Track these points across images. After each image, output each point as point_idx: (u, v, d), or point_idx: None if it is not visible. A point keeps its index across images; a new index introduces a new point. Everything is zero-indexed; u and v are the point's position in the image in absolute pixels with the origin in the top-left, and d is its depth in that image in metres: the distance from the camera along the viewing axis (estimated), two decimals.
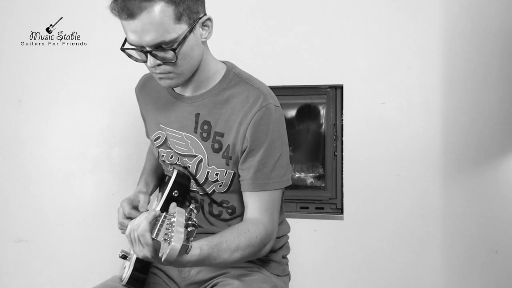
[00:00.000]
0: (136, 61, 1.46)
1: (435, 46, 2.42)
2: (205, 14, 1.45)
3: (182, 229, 1.18)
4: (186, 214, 1.21)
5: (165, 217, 1.33)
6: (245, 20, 2.56)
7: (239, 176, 1.56)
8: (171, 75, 1.46)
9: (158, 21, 1.34)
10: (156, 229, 1.32)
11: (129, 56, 1.45)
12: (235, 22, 2.56)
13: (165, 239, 1.20)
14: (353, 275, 2.53)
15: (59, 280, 2.65)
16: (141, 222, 1.30)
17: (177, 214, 1.25)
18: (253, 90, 1.51)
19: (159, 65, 1.42)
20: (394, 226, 2.49)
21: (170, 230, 1.21)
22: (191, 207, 1.22)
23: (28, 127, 2.66)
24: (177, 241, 1.16)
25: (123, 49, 1.43)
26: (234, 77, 1.56)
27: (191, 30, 1.40)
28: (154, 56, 1.40)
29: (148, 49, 1.39)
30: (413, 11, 2.44)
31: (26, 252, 2.66)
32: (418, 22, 2.44)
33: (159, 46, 1.37)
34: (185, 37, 1.38)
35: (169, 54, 1.39)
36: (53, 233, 2.66)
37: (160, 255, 1.22)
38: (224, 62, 1.62)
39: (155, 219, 1.34)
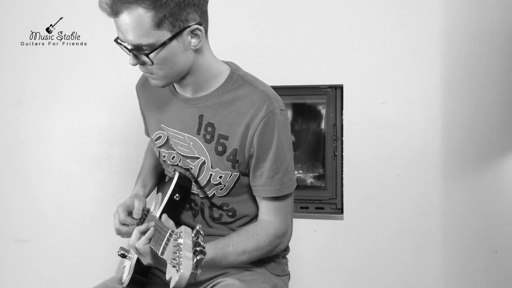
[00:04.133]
0: (128, 54, 1.47)
1: (435, 45, 2.42)
2: (197, 23, 1.43)
3: (191, 254, 1.17)
4: (193, 236, 1.20)
5: (170, 234, 1.33)
6: (245, 20, 2.56)
7: (244, 179, 1.56)
8: (154, 76, 1.46)
9: (135, 24, 1.35)
10: (162, 247, 1.34)
11: (123, 49, 1.46)
12: (235, 22, 2.56)
13: (173, 265, 1.19)
14: (353, 275, 2.53)
15: (59, 280, 2.66)
16: (135, 236, 1.38)
17: (184, 234, 1.23)
18: (258, 92, 1.50)
19: (141, 64, 1.43)
20: (394, 226, 2.48)
21: (177, 254, 1.20)
22: (197, 228, 1.21)
23: (28, 127, 2.67)
24: (186, 269, 1.15)
25: (115, 41, 1.44)
26: (238, 79, 1.55)
27: (173, 37, 1.39)
28: (135, 56, 1.41)
29: (130, 47, 1.40)
30: (413, 11, 2.44)
31: (26, 252, 2.66)
32: (417, 22, 2.44)
33: (139, 47, 1.39)
34: (163, 44, 1.38)
35: (145, 58, 1.40)
36: (53, 233, 2.66)
37: (167, 278, 1.22)
38: (227, 63, 1.61)
39: (160, 233, 1.36)
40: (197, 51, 1.47)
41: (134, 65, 1.43)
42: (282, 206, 1.55)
